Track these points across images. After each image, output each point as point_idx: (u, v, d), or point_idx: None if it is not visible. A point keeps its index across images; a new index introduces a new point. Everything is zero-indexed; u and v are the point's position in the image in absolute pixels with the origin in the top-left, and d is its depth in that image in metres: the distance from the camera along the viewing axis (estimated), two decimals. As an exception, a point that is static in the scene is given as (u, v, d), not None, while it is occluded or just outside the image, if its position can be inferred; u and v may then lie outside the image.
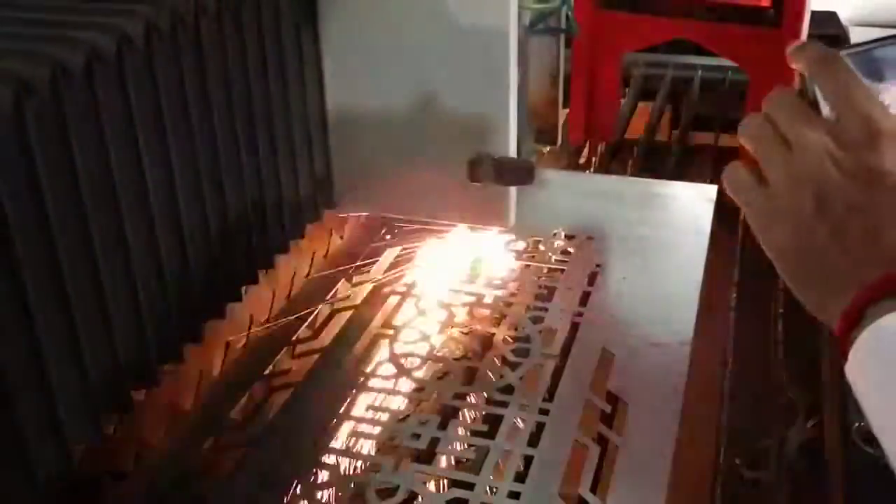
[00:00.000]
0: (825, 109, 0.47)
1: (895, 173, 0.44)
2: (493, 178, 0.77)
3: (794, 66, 0.48)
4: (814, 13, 1.46)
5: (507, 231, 0.92)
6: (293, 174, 0.77)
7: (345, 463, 0.63)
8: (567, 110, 1.18)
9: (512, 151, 0.78)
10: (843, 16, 1.49)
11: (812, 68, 0.47)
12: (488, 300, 0.81)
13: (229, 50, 0.66)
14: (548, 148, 1.02)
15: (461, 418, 0.68)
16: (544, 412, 0.67)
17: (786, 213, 0.46)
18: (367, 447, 0.65)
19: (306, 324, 0.79)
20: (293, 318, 0.79)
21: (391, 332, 0.77)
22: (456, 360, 0.74)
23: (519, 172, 0.77)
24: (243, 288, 0.77)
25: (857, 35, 1.41)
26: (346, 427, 0.67)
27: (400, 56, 0.78)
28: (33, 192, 0.50)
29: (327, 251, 0.91)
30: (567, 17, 0.93)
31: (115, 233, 0.57)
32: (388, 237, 0.92)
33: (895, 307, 0.42)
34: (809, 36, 1.33)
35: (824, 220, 0.45)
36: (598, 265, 0.86)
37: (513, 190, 0.80)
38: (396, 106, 0.79)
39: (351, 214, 0.94)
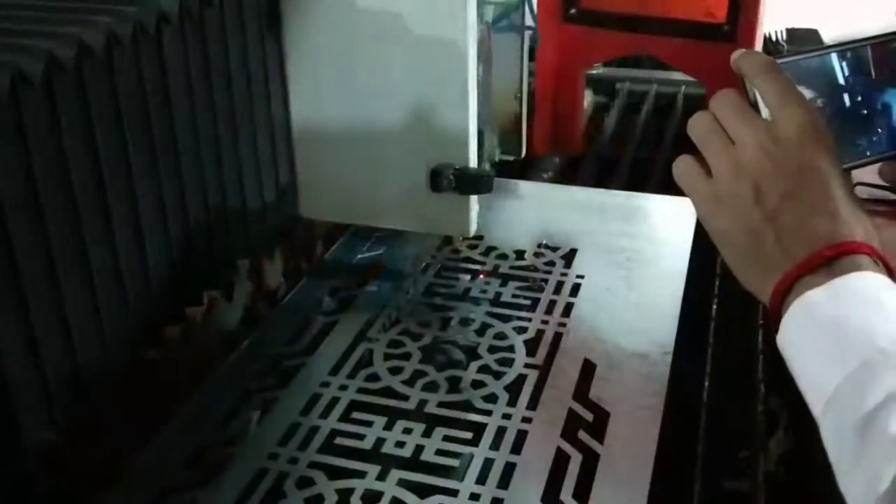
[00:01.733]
0: (764, 110, 0.52)
1: (822, 167, 0.49)
2: (454, 187, 0.78)
3: (737, 71, 0.54)
4: (796, 30, 1.50)
5: (492, 242, 0.93)
6: (257, 182, 0.78)
7: (330, 470, 0.64)
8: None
9: (472, 162, 0.79)
10: (825, 33, 1.51)
11: (753, 74, 0.53)
12: (473, 310, 0.82)
13: (192, 59, 0.66)
14: (512, 158, 1.04)
15: (445, 426, 0.68)
16: (527, 420, 0.68)
17: (727, 201, 0.51)
18: (352, 455, 0.66)
19: (292, 333, 0.80)
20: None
21: (376, 342, 0.78)
22: (440, 370, 0.75)
23: (479, 182, 0.79)
24: (233, 299, 0.78)
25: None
26: (331, 435, 0.67)
27: (363, 68, 0.79)
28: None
29: (312, 262, 0.92)
30: (532, 18, 0.95)
31: (74, 238, 0.57)
32: (374, 249, 0.93)
33: (818, 282, 0.47)
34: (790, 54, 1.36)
35: (761, 207, 0.50)
36: (581, 276, 0.87)
37: (473, 199, 0.81)
38: (360, 116, 0.80)
39: (341, 229, 0.95)
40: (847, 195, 0.50)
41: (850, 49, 0.57)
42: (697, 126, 0.54)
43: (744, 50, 0.55)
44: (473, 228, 0.82)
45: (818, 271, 0.47)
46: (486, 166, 0.90)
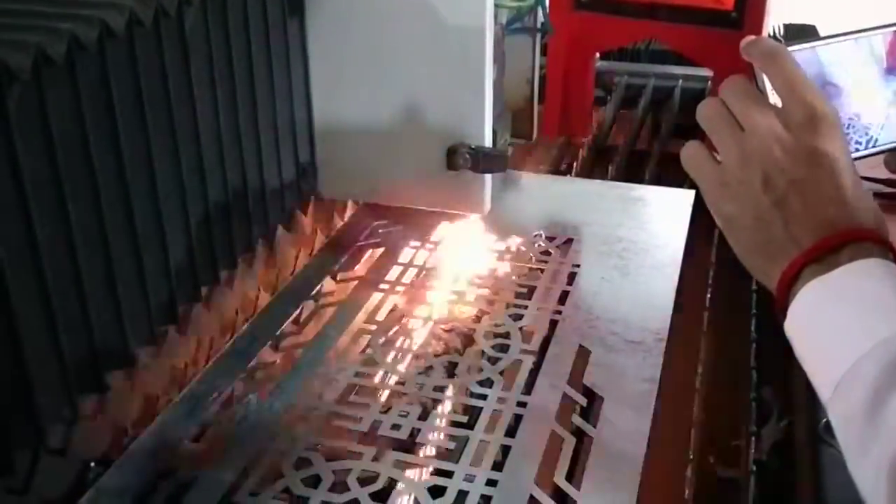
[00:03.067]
0: (773, 97, 0.52)
1: (831, 154, 0.49)
2: (469, 166, 0.80)
3: (746, 58, 0.54)
4: (793, 25, 1.50)
5: (490, 231, 0.94)
6: (276, 161, 0.79)
7: (327, 452, 0.65)
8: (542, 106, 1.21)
9: (487, 141, 0.81)
10: (823, 30, 1.52)
11: (762, 60, 0.53)
12: (470, 298, 0.83)
13: (213, 40, 0.68)
14: (523, 141, 1.05)
15: (441, 410, 0.69)
16: (522, 405, 0.69)
17: (735, 187, 0.51)
18: (348, 437, 0.66)
19: (291, 318, 0.81)
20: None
21: (374, 327, 0.79)
22: (437, 355, 0.76)
23: (494, 161, 0.80)
24: (232, 284, 0.79)
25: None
26: (329, 418, 0.68)
27: (383, 49, 0.81)
28: (12, 177, 0.51)
29: (312, 249, 0.92)
30: (543, 15, 0.97)
31: (94, 217, 0.58)
32: (373, 237, 0.94)
33: (826, 269, 0.47)
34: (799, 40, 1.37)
35: (769, 193, 0.50)
36: (577, 265, 0.88)
37: (488, 178, 0.82)
38: (379, 96, 0.82)
39: (337, 214, 0.96)
40: (856, 183, 0.50)
41: (862, 37, 0.57)
42: (706, 111, 0.53)
43: (753, 37, 0.54)
44: (488, 207, 0.84)
45: (826, 258, 0.48)
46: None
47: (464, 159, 0.80)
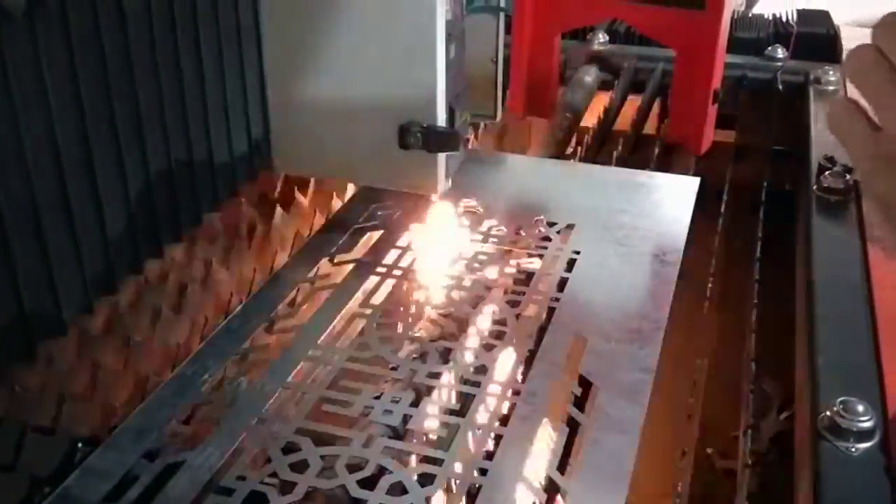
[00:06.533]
0: None
1: None
2: (421, 145, 0.79)
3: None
4: (806, 11, 1.48)
5: (490, 216, 0.92)
6: (226, 133, 0.78)
7: (316, 437, 0.64)
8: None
9: (440, 120, 0.80)
10: (837, 16, 1.49)
11: None
12: (467, 283, 0.82)
13: (155, 8, 0.65)
14: (487, 122, 1.05)
15: (434, 397, 0.68)
16: (516, 393, 0.68)
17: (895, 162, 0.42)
18: (338, 422, 0.66)
19: (286, 300, 0.80)
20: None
21: (369, 311, 0.78)
22: (432, 340, 0.75)
23: (446, 140, 0.80)
24: (228, 263, 0.78)
25: (848, 34, 1.41)
26: (320, 402, 0.67)
27: (337, 24, 0.80)
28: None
29: (310, 231, 0.91)
30: None
31: (24, 184, 0.56)
32: (371, 219, 0.92)
33: None
34: (800, 34, 1.35)
35: None
36: (577, 252, 0.87)
37: (442, 158, 0.82)
38: (333, 71, 0.81)
39: (337, 195, 0.95)
40: None
41: None
42: (859, 63, 0.42)
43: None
44: (441, 188, 0.83)
45: None
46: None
47: (415, 138, 0.80)
